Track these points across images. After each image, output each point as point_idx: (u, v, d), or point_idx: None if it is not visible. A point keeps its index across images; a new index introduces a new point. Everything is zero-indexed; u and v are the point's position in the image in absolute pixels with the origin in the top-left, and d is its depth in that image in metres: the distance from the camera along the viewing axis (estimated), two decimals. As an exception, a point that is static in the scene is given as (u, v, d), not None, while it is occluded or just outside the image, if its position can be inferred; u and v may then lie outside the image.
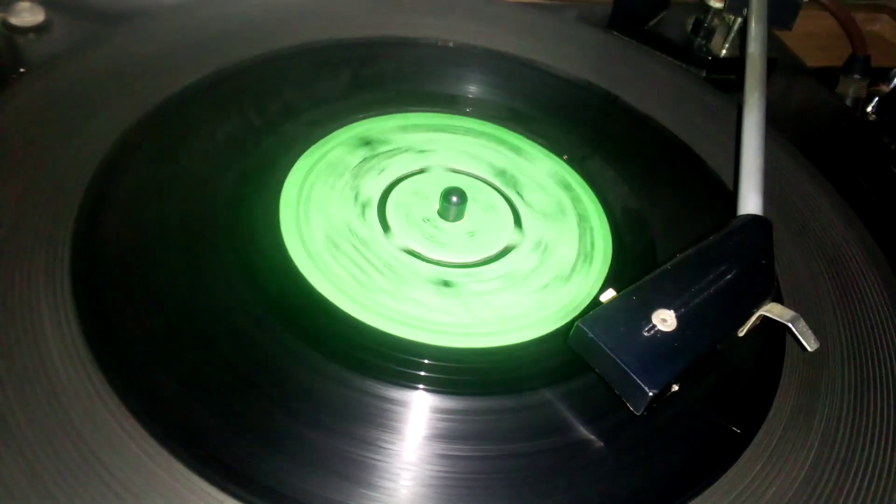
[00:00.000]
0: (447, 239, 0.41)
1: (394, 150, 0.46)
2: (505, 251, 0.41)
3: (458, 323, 0.37)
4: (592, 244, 0.43)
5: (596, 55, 0.58)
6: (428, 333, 0.36)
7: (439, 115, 0.50)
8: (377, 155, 0.46)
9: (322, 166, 0.44)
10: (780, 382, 0.36)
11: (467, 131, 0.49)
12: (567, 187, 0.46)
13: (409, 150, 0.47)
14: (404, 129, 0.48)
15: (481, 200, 0.44)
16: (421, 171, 0.45)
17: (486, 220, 0.43)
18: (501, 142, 0.48)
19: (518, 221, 0.43)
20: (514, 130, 0.50)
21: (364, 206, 0.42)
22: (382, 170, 0.45)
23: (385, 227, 0.41)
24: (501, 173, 0.46)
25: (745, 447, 0.33)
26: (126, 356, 0.31)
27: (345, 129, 0.47)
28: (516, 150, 0.48)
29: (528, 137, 0.50)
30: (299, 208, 0.41)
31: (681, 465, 0.32)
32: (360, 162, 0.45)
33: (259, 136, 0.44)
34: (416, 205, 0.43)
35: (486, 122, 0.50)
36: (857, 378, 0.37)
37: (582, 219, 0.44)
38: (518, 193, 0.45)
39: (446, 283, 0.39)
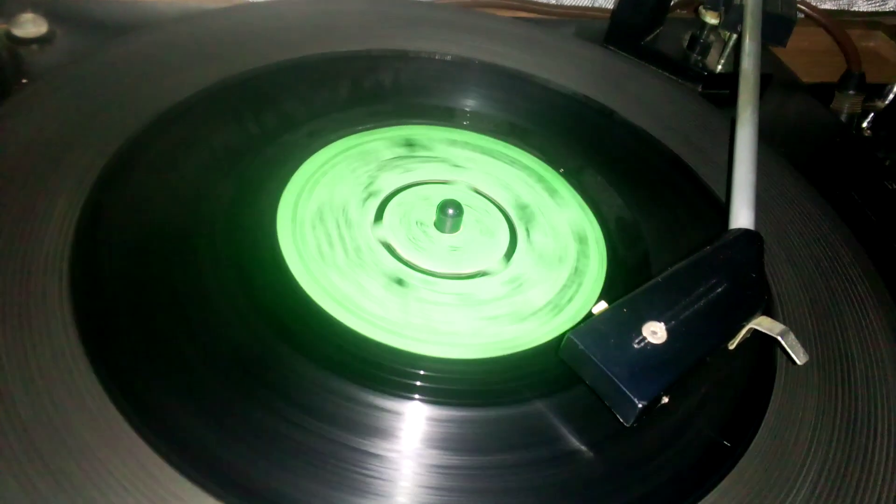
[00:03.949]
0: (428, 245, 0.42)
1: (431, 157, 0.47)
2: (477, 274, 0.41)
3: (387, 318, 0.37)
4: (570, 299, 0.41)
5: (593, 70, 0.59)
6: (351, 316, 0.36)
7: (489, 138, 0.50)
8: (412, 157, 0.47)
9: (355, 153, 0.46)
10: (771, 396, 0.37)
11: (512, 161, 0.49)
12: (581, 240, 0.44)
13: (444, 161, 0.48)
14: (452, 142, 0.49)
15: (485, 224, 0.44)
16: (444, 183, 0.46)
17: (478, 241, 0.43)
18: (540, 179, 0.48)
19: (510, 254, 0.43)
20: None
21: (370, 195, 0.44)
22: (409, 170, 0.46)
23: (378, 217, 0.43)
24: (523, 207, 0.46)
25: (736, 461, 0.33)
26: (120, 358, 0.31)
27: (391, 129, 0.49)
28: (551, 191, 0.47)
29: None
30: (307, 184, 0.43)
31: (670, 478, 0.33)
32: (393, 158, 0.46)
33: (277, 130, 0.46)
34: (419, 208, 0.44)
35: (532, 158, 0.50)
36: (849, 391, 0.38)
37: (577, 272, 0.42)
38: (527, 230, 0.44)
39: (399, 282, 0.39)
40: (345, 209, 0.42)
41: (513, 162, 0.49)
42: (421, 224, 0.43)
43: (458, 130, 0.50)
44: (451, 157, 0.48)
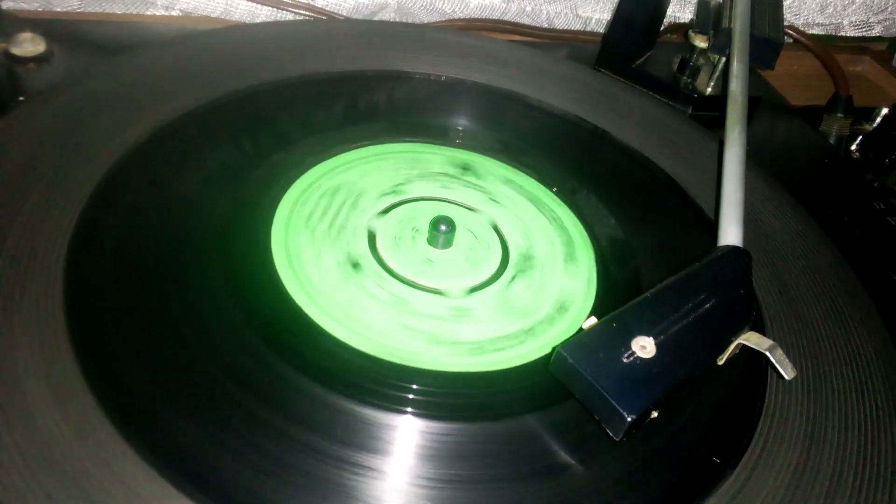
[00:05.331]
0: (406, 247, 0.43)
1: (478, 186, 0.49)
2: (431, 290, 0.41)
3: (315, 286, 0.39)
4: (500, 349, 0.39)
5: (585, 92, 0.60)
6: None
7: (543, 188, 0.50)
8: (462, 179, 0.49)
9: (409, 156, 0.49)
10: (761, 412, 0.37)
11: (553, 218, 0.48)
12: (560, 309, 0.41)
13: (488, 193, 0.48)
14: (507, 181, 0.50)
15: (476, 256, 0.44)
16: (470, 209, 0.47)
17: (455, 266, 0.43)
18: (567, 242, 0.46)
19: (475, 289, 0.42)
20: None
21: (395, 192, 0.46)
22: (446, 187, 0.48)
23: (385, 212, 0.45)
24: (527, 258, 0.44)
25: (726, 477, 0.33)
26: (113, 371, 0.31)
27: (446, 148, 0.51)
28: (568, 256, 0.45)
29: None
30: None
31: (660, 495, 0.33)
32: (441, 174, 0.48)
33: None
34: (426, 211, 0.45)
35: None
36: (839, 406, 0.38)
37: (528, 332, 0.40)
38: (513, 277, 0.43)
39: (355, 265, 0.41)
40: (359, 194, 0.45)
41: (553, 219, 0.47)
42: (416, 231, 0.44)
43: (514, 171, 0.51)
44: (496, 192, 0.48)
